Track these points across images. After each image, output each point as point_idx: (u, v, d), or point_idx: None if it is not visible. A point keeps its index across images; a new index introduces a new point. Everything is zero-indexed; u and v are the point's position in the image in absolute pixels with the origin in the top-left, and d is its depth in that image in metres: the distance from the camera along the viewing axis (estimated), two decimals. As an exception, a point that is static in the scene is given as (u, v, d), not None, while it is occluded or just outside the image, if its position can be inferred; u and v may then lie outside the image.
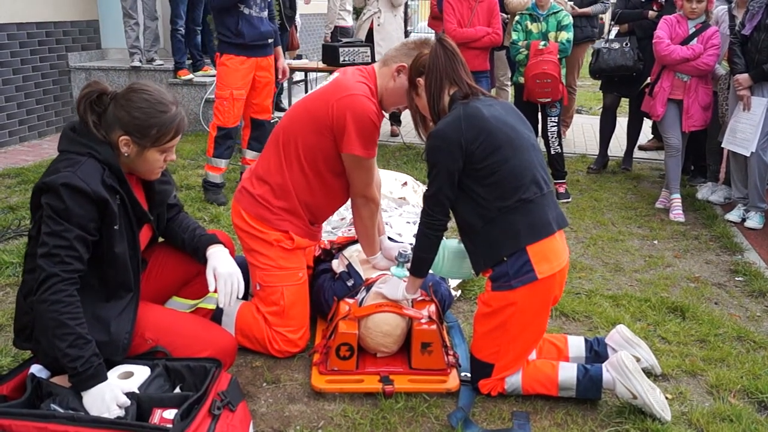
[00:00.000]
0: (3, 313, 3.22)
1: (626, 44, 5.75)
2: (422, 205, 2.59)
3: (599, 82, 6.40)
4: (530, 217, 2.47)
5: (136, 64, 7.33)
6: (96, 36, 7.79)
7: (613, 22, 6.17)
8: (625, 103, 6.45)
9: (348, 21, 8.26)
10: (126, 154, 2.27)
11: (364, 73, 2.87)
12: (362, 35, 7.13)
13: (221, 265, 2.53)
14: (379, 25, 6.98)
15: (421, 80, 2.63)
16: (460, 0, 5.82)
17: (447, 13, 5.85)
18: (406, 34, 8.99)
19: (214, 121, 4.97)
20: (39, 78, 6.95)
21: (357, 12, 7.32)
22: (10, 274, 3.66)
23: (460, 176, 2.49)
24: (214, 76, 6.95)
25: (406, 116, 8.24)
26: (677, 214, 5.05)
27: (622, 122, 6.61)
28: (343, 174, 2.90)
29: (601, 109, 6.60)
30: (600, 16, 7.32)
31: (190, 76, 7.31)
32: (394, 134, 7.63)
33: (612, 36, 6.08)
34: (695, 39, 4.90)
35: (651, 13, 5.76)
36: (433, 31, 7.42)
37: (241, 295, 2.56)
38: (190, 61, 7.47)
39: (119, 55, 7.91)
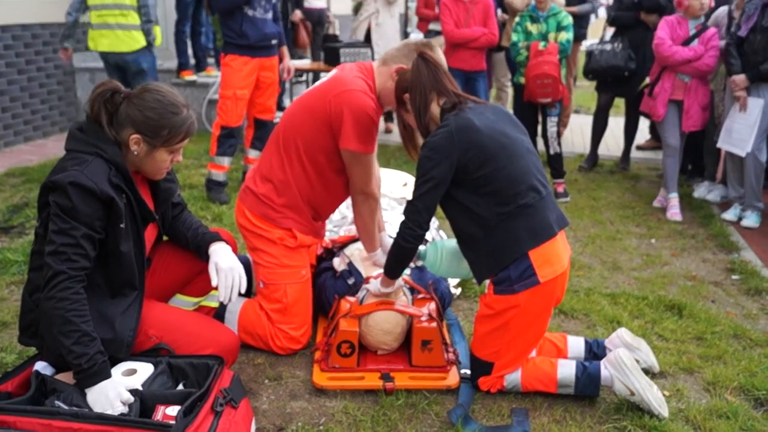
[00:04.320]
0: (8, 311, 3.25)
1: (618, 45, 5.80)
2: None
3: (596, 83, 6.42)
4: (530, 221, 2.49)
5: None
6: (99, 37, 7.80)
7: (607, 24, 6.22)
8: (621, 103, 6.49)
9: (320, 2, 8.17)
10: (135, 153, 2.30)
11: (363, 69, 2.89)
12: (360, 35, 7.16)
13: (222, 261, 2.56)
14: (377, 24, 7.02)
15: (407, 96, 2.65)
16: (455, 1, 5.90)
17: (444, 15, 5.93)
18: (406, 34, 9.01)
19: (217, 120, 5.00)
20: (44, 78, 6.97)
21: (355, 9, 7.33)
22: (15, 272, 3.69)
23: (455, 189, 2.51)
24: (216, 77, 7.00)
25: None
26: (674, 213, 5.08)
27: (619, 122, 6.64)
28: (344, 170, 2.91)
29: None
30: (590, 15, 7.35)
31: (194, 77, 7.34)
32: (388, 131, 7.68)
33: (607, 38, 6.11)
34: (696, 40, 4.93)
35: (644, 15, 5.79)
36: (422, 33, 7.46)
37: (243, 290, 2.58)
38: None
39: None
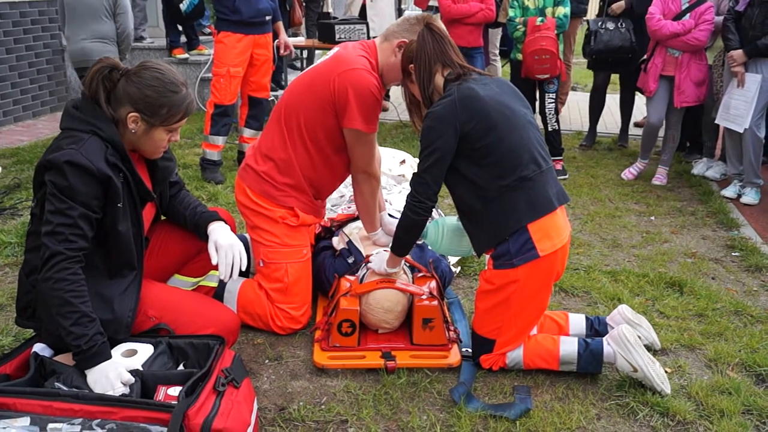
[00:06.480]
0: (3, 293, 3.21)
1: (621, 24, 5.69)
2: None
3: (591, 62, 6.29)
4: (530, 194, 2.47)
5: None
6: (89, 14, 7.69)
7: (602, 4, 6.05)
8: (617, 79, 6.45)
9: None
10: (133, 131, 2.25)
11: (365, 47, 2.86)
12: (355, 12, 7.11)
13: (222, 238, 2.53)
14: (372, 1, 6.97)
15: (413, 66, 2.62)
16: None
17: None
18: (400, 11, 8.94)
19: (211, 98, 4.94)
20: (33, 57, 6.86)
21: None
22: (9, 254, 3.65)
23: (456, 159, 2.48)
24: (209, 55, 6.92)
25: (395, 92, 8.20)
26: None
27: (617, 99, 6.62)
28: (345, 149, 2.89)
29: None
30: None
31: (185, 55, 7.26)
32: (384, 109, 7.63)
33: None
34: (688, 14, 4.88)
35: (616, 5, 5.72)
36: (420, 10, 7.39)
37: (244, 267, 2.56)
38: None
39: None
